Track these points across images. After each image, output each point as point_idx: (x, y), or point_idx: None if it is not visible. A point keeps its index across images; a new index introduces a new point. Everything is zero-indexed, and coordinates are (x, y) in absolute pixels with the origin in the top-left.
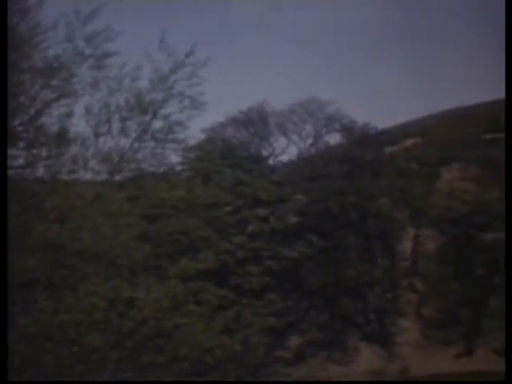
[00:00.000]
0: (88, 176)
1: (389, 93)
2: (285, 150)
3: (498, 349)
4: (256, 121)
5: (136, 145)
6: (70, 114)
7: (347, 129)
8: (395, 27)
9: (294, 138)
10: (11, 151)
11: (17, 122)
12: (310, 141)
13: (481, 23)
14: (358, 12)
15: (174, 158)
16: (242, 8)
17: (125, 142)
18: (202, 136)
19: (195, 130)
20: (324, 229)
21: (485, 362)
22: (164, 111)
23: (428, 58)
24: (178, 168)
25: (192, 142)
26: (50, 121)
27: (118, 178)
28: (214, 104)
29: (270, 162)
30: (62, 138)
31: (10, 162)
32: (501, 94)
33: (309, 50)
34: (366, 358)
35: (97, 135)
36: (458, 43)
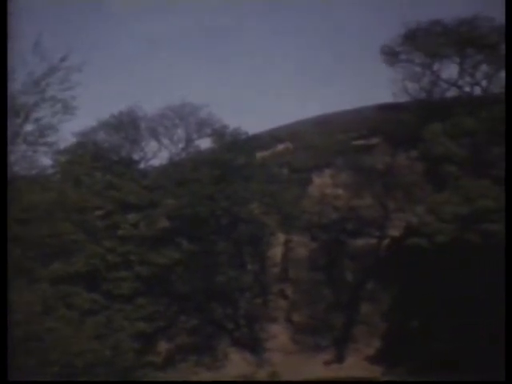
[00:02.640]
0: None
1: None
2: (156, 154)
3: (369, 356)
4: (127, 125)
5: (8, 147)
6: None
7: (218, 133)
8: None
9: (166, 142)
10: None
11: None
12: (181, 145)
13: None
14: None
15: (46, 161)
16: (119, 13)
17: None
18: (73, 139)
19: (67, 133)
20: (194, 234)
21: (355, 369)
22: (36, 114)
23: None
24: (50, 171)
25: (63, 146)
26: None
27: None
28: (86, 108)
29: (141, 166)
30: None
31: None
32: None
33: (185, 54)
34: (236, 363)
35: None
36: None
